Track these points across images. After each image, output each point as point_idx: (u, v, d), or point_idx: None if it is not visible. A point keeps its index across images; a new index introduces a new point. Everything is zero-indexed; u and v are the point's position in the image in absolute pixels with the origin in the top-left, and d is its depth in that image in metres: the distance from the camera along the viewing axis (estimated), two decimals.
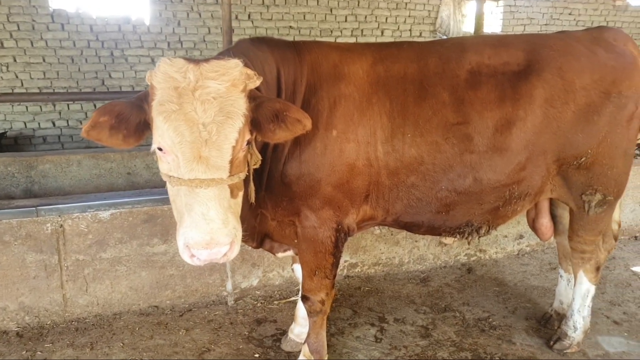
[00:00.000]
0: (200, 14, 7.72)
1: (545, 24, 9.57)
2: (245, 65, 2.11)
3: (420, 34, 8.97)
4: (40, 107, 7.31)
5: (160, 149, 2.01)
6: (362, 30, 8.59)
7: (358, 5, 8.36)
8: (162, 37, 7.62)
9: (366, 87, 2.56)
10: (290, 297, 3.96)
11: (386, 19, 8.65)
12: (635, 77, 2.74)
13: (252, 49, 2.51)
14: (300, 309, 3.26)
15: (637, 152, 4.98)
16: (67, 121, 7.52)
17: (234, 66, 2.02)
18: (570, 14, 9.67)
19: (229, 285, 3.87)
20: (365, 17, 8.55)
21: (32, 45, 7.19)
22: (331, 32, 8.44)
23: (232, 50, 2.48)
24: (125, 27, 7.46)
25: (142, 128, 2.09)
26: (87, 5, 7.21)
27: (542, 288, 4.17)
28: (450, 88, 2.56)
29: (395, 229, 3.08)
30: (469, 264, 4.58)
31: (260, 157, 2.33)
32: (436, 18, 8.75)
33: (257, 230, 2.85)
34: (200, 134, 1.92)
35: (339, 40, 8.48)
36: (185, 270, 3.78)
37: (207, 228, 1.91)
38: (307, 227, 2.64)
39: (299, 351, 3.21)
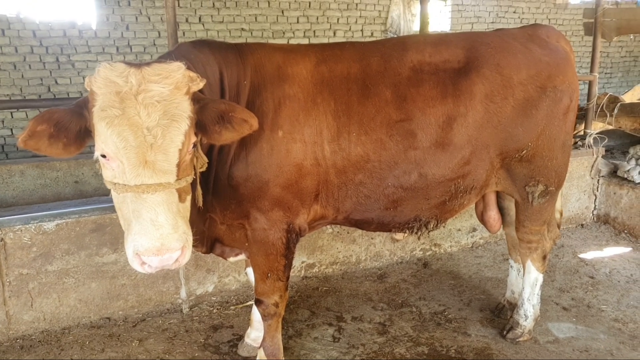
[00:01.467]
0: (150, 17, 7.55)
1: (492, 22, 9.87)
2: (188, 68, 2.08)
3: (372, 34, 9.07)
4: None
5: (103, 156, 1.95)
6: (314, 32, 8.61)
7: (309, 6, 8.38)
8: (110, 42, 7.41)
9: (310, 87, 2.56)
10: (247, 302, 3.91)
11: (338, 19, 8.71)
12: (569, 72, 2.85)
13: (194, 52, 2.47)
14: (256, 313, 3.22)
15: (579, 143, 5.19)
16: (11, 130, 7.20)
17: (177, 69, 1.99)
18: (514, 12, 10.00)
19: (183, 293, 3.80)
20: (317, 18, 8.58)
21: None
22: (283, 33, 8.42)
23: (173, 53, 2.44)
24: (71, 32, 7.22)
25: (83, 136, 2.02)
26: (29, 9, 6.93)
27: (496, 279, 4.28)
28: (392, 86, 2.59)
29: (348, 227, 3.09)
30: (424, 258, 4.65)
31: (206, 160, 2.29)
32: (387, 18, 8.87)
33: (206, 235, 2.80)
34: (145, 138, 1.88)
35: (292, 41, 8.47)
36: (137, 279, 3.68)
37: (156, 234, 1.87)
38: (257, 229, 2.61)
39: (256, 355, 3.19)
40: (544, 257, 3.28)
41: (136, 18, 7.52)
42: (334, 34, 8.70)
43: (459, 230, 4.78)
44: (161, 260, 1.91)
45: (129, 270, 3.64)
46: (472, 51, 2.74)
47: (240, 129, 2.09)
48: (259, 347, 2.97)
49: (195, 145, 2.09)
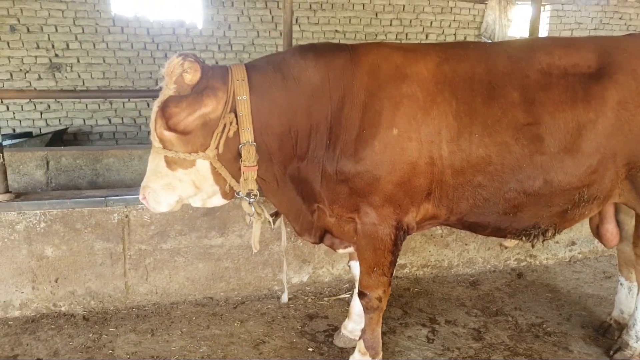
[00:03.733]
0: (250, 17, 7.91)
1: (595, 29, 9.32)
2: (256, 68, 2.59)
3: (465, 38, 8.90)
4: (99, 105, 7.68)
5: None
6: (406, 34, 8.60)
7: (403, 9, 8.39)
8: (213, 40, 7.85)
9: (431, 86, 2.59)
10: (339, 294, 4.02)
11: (431, 23, 8.64)
12: None
13: (295, 57, 2.67)
14: (355, 306, 3.31)
15: None
16: (122, 119, 7.84)
17: (172, 60, 2.45)
18: (620, 19, 9.39)
19: (285, 282, 3.93)
20: (410, 21, 8.56)
21: (94, 47, 7.57)
22: (376, 35, 8.48)
23: (271, 56, 2.85)
24: (180, 30, 7.75)
25: None
26: (144, 9, 7.52)
27: (598, 296, 4.08)
28: (520, 88, 2.57)
29: (459, 229, 3.09)
30: (519, 269, 4.53)
31: (253, 158, 2.54)
32: (481, 22, 8.66)
33: (314, 226, 2.92)
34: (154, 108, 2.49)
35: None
36: (239, 263, 3.90)
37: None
38: (366, 223, 2.69)
39: (352, 347, 3.26)
40: None
41: (238, 18, 7.91)
42: (427, 37, 8.65)
43: (557, 242, 4.61)
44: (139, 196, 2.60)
45: (233, 254, 3.87)
46: (604, 56, 2.65)
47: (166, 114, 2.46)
48: (359, 339, 3.04)
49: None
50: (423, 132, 2.55)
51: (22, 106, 7.46)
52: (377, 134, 2.52)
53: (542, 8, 8.78)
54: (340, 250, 3.09)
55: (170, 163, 2.48)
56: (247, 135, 2.48)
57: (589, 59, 2.64)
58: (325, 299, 3.96)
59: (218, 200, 2.66)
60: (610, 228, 3.16)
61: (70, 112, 7.49)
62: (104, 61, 7.60)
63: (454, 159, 2.59)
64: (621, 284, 3.48)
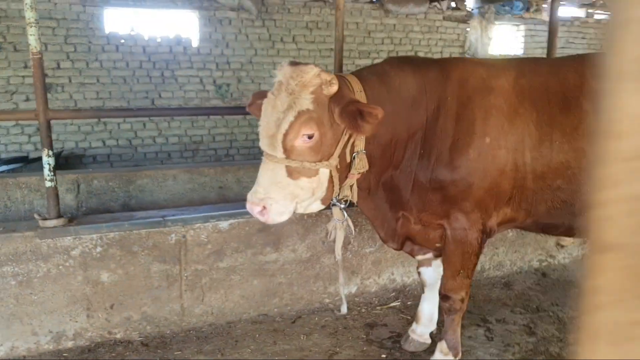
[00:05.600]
0: (248, 35, 7.96)
1: (562, 47, 10.13)
2: (380, 81, 2.64)
3: (450, 55, 9.40)
4: (92, 126, 7.39)
5: None
6: (397, 52, 8.97)
7: (394, 28, 8.75)
8: (210, 58, 7.83)
9: (513, 98, 2.81)
10: (389, 303, 4.12)
11: (419, 41, 9.07)
12: None
13: (394, 68, 2.80)
14: (424, 310, 3.44)
15: None
16: (117, 140, 7.59)
17: (309, 71, 2.43)
18: (583, 38, 10.29)
19: (344, 293, 3.99)
20: (400, 39, 8.94)
21: (87, 66, 7.32)
22: (369, 54, 8.78)
23: (371, 67, 2.94)
24: (177, 49, 7.65)
25: None
26: (139, 27, 7.36)
27: None
28: (590, 100, 2.84)
29: (529, 231, 3.30)
30: (541, 269, 4.83)
31: (366, 164, 2.65)
32: (464, 41, 9.20)
33: (397, 233, 3.06)
34: (275, 118, 2.43)
35: (376, 61, 8.83)
36: (292, 278, 3.93)
37: (254, 188, 2.51)
38: (457, 229, 2.84)
39: (423, 350, 3.40)
40: None
41: (236, 36, 7.94)
42: (416, 54, 9.04)
43: (572, 242, 4.96)
44: (250, 208, 2.52)
45: (286, 269, 3.89)
46: None
47: (370, 119, 2.35)
48: (439, 340, 3.16)
49: (311, 137, 2.43)
50: (509, 140, 2.76)
51: (8, 129, 7.04)
52: (472, 142, 2.70)
53: (516, 28, 9.47)
54: (419, 257, 3.23)
55: (292, 172, 2.47)
56: (361, 144, 2.58)
57: None
58: (378, 308, 4.05)
59: (317, 206, 2.69)
60: None
61: (62, 135, 7.16)
62: (98, 81, 7.33)
63: (536, 165, 2.80)
64: None
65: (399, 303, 4.12)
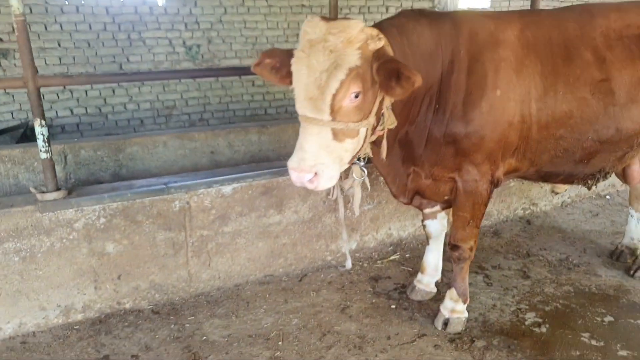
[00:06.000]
0: None
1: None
2: (400, 33, 2.56)
3: (422, 10, 9.32)
4: (57, 94, 6.96)
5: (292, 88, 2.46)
6: (368, 7, 8.85)
7: None
8: (179, 18, 7.44)
9: (519, 50, 2.87)
10: (389, 257, 4.25)
11: None
12: None
13: (411, 22, 2.77)
14: (430, 260, 3.58)
15: None
16: (86, 108, 7.21)
17: (354, 26, 2.35)
18: None
19: (347, 250, 4.07)
20: None
21: (45, 29, 6.80)
22: (340, 9, 8.60)
23: (387, 20, 2.82)
24: (142, 9, 7.23)
25: None
26: None
27: (595, 231, 4.74)
28: (591, 49, 2.93)
29: (532, 180, 3.44)
30: (525, 216, 5.07)
31: (395, 120, 2.66)
32: None
33: (408, 188, 3.13)
34: (315, 79, 2.31)
35: (348, 16, 8.66)
36: (296, 238, 3.97)
37: (299, 155, 2.37)
38: (468, 180, 2.94)
39: (430, 299, 3.57)
40: None
41: None
42: (387, 10, 8.95)
43: (566, 189, 5.20)
44: (298, 177, 2.39)
45: (290, 230, 3.92)
46: None
47: (406, 84, 2.30)
48: (450, 288, 3.30)
49: (358, 95, 2.36)
50: (517, 92, 2.83)
51: None
52: (484, 95, 2.76)
53: None
54: (427, 210, 3.33)
55: (338, 134, 2.39)
56: (390, 100, 2.58)
57: (638, 20, 3.07)
58: (379, 262, 4.17)
59: (344, 166, 2.64)
60: (636, 169, 3.72)
61: (25, 104, 6.71)
62: (59, 45, 6.85)
63: (541, 115, 2.90)
64: (631, 216, 4.09)
65: (398, 256, 4.25)
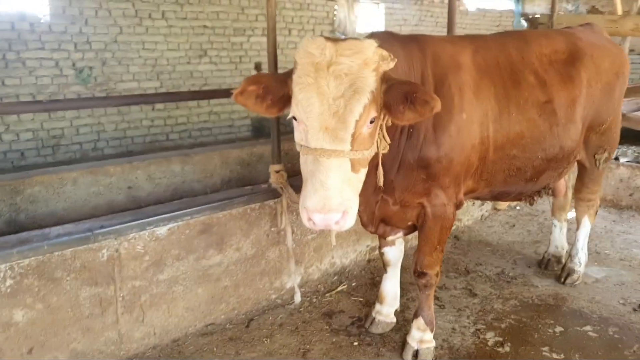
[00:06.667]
0: (111, 11, 6.84)
1: (416, 25, 10.90)
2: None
3: (322, 33, 9.39)
4: None
5: (295, 119, 2.21)
6: None
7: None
8: (67, 37, 6.53)
9: (475, 74, 2.87)
10: (335, 288, 4.02)
11: (292, 19, 8.86)
12: (627, 60, 3.59)
13: (385, 44, 2.57)
14: (388, 290, 3.43)
15: None
16: None
17: (368, 46, 2.18)
18: (431, 16, 11.19)
19: (296, 282, 3.77)
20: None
21: None
22: (244, 31, 8.29)
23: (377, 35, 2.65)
24: (21, 25, 6.23)
25: (284, 101, 2.29)
26: None
27: (518, 242, 4.98)
28: (533, 73, 3.04)
29: (484, 200, 3.46)
30: (452, 232, 5.18)
31: (389, 141, 2.49)
32: (334, 18, 9.29)
33: (375, 216, 2.97)
34: (329, 106, 2.09)
35: (252, 39, 8.40)
36: (238, 279, 3.59)
37: (323, 194, 2.08)
38: (437, 205, 2.85)
39: (391, 330, 3.41)
40: (596, 213, 4.03)
41: (96, 12, 6.75)
42: (289, 32, 8.83)
43: (473, 204, 5.41)
44: (323, 219, 2.11)
45: (231, 270, 3.54)
46: (571, 45, 3.29)
47: (422, 109, 2.21)
48: (414, 317, 3.17)
49: (373, 121, 2.23)
50: (478, 114, 2.83)
51: None
52: (452, 119, 2.70)
53: (376, 6, 9.87)
54: (390, 237, 3.19)
55: (355, 165, 2.18)
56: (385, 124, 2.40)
57: (562, 47, 3.26)
58: (327, 295, 3.93)
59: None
60: (562, 182, 3.95)
61: None
62: None
63: (497, 137, 2.93)
64: (555, 226, 4.35)
65: (345, 286, 4.05)
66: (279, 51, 3.75)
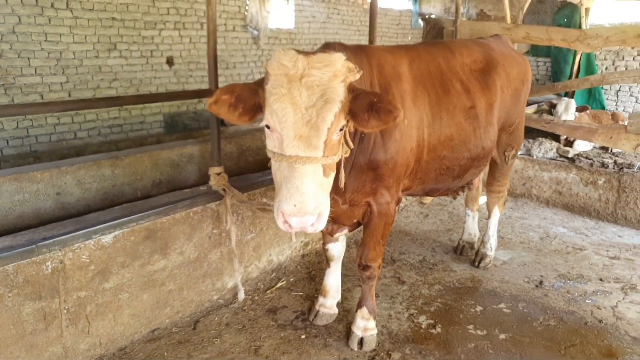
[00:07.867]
0: (7, 0, 6.17)
1: (324, 22, 11.12)
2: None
3: (234, 28, 9.23)
4: None
5: (268, 127, 2.37)
6: (184, 24, 8.32)
7: None
8: None
9: (412, 82, 3.15)
10: (274, 285, 4.15)
11: (204, 13, 8.60)
12: (529, 68, 4.11)
13: (354, 55, 2.81)
14: (331, 283, 3.64)
15: None
16: None
17: (337, 59, 2.36)
18: (338, 14, 11.47)
19: (239, 282, 3.82)
20: (186, 10, 8.30)
21: None
22: (155, 24, 7.90)
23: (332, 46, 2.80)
24: None
25: (256, 109, 2.43)
26: None
27: (433, 230, 5.46)
28: (459, 81, 3.39)
29: (416, 196, 3.77)
30: None
31: (352, 146, 2.70)
32: (246, 13, 9.19)
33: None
34: (302, 116, 2.24)
35: (163, 33, 8.03)
36: (182, 282, 3.59)
37: (299, 199, 2.24)
38: (382, 203, 3.09)
39: (334, 321, 3.62)
40: (504, 203, 4.57)
41: None
42: (202, 26, 8.56)
43: (431, 200, 5.79)
44: (299, 222, 2.27)
45: (175, 274, 3.53)
46: (486, 55, 3.71)
47: (385, 118, 2.40)
48: (358, 307, 3.40)
49: (342, 129, 2.44)
50: (415, 120, 3.11)
51: None
52: (397, 125, 2.94)
53: (286, 2, 9.92)
54: (337, 234, 3.38)
55: (326, 169, 2.36)
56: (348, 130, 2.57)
57: (479, 57, 3.67)
58: (268, 292, 4.05)
59: None
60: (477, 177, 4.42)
61: None
62: None
63: (430, 139, 3.24)
64: (468, 215, 4.85)
65: (284, 282, 4.19)
66: (191, 45, 3.76)
